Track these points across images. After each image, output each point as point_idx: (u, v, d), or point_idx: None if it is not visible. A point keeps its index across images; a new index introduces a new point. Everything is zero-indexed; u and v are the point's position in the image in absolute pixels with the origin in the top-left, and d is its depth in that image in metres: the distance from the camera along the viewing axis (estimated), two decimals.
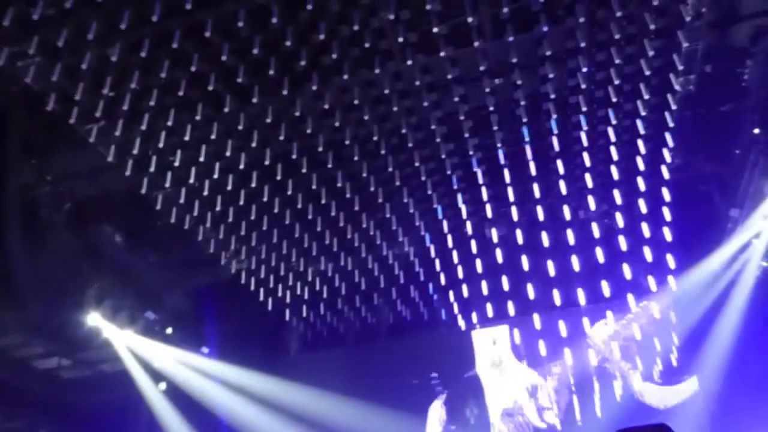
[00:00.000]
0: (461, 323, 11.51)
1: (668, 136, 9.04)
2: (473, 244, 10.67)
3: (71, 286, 9.53)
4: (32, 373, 10.69)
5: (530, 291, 10.56)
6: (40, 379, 10.73)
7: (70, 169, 8.73)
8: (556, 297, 10.47)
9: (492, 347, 11.58)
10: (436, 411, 11.20)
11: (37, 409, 10.62)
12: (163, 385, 11.29)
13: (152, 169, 8.63)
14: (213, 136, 8.46)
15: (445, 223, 10.34)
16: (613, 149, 9.13)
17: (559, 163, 9.37)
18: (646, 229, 10.00)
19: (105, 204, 9.28)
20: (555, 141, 8.98)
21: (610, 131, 8.91)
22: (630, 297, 10.48)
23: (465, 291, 11.05)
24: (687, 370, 10.42)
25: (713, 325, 10.12)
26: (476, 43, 7.46)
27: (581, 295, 10.55)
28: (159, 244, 10.08)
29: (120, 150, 8.36)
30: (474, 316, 11.35)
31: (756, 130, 8.97)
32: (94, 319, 10.16)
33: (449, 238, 10.54)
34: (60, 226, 8.87)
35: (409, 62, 7.75)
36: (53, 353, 10.76)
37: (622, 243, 10.19)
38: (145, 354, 11.06)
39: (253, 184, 9.16)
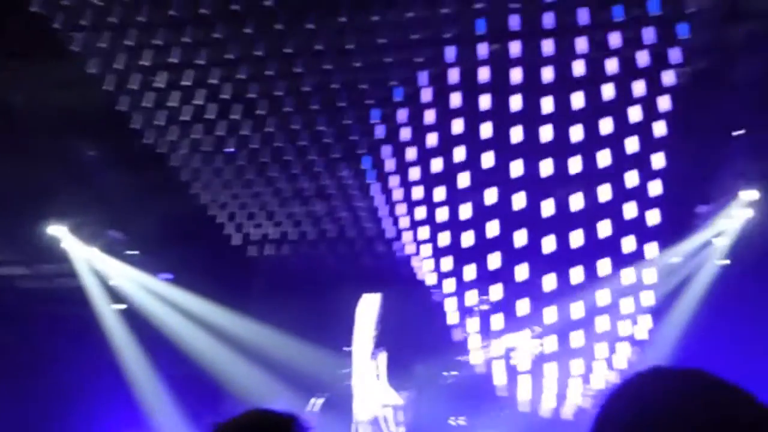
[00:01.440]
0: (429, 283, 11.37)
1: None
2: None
3: (38, 195, 9.39)
4: None
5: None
6: None
7: (49, 76, 8.46)
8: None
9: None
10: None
11: None
12: (120, 306, 11.29)
13: (134, 86, 8.45)
14: (200, 62, 8.30)
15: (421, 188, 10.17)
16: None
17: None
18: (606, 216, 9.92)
19: (81, 116, 9.06)
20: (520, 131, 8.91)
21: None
22: None
23: (429, 250, 10.85)
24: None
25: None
26: None
27: None
28: (132, 164, 9.92)
29: (102, 62, 8.16)
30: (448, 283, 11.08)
31: (736, 132, 9.08)
32: (57, 231, 10.08)
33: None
34: (33, 133, 8.67)
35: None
36: (13, 261, 10.66)
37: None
38: (105, 272, 11.03)
39: (235, 117, 9.04)
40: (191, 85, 8.53)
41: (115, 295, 11.22)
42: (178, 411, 10.90)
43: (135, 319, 11.25)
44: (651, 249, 9.49)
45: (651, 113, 8.76)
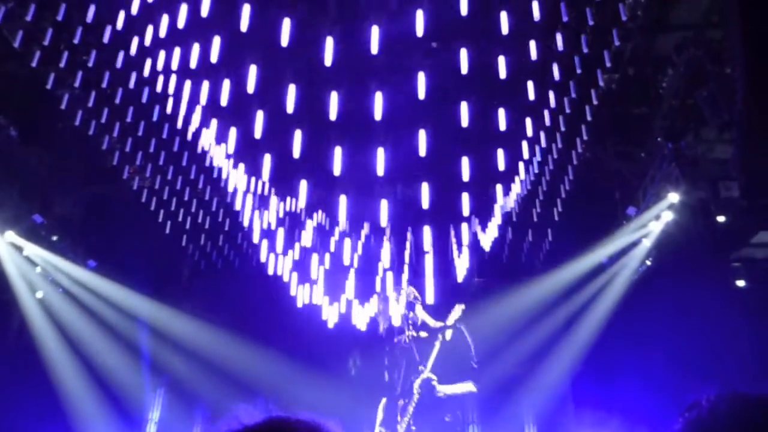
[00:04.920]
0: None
1: (583, 129, 9.40)
2: None
3: None
4: None
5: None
6: None
7: None
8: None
9: None
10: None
11: None
12: (40, 293, 10.79)
13: (62, 65, 8.07)
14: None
15: None
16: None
17: None
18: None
19: (3, 93, 8.59)
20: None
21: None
22: None
23: None
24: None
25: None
26: None
27: None
28: (58, 146, 9.49)
29: (29, 38, 7.74)
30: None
31: (660, 138, 9.48)
32: None
33: None
34: None
35: None
36: None
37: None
38: (26, 258, 10.48)
39: None
40: (125, 68, 8.23)
41: (36, 281, 10.69)
42: (99, 403, 10.54)
43: (55, 307, 10.78)
44: None
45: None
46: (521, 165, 9.93)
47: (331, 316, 11.46)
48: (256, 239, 11.03)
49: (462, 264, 11.18)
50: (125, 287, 11.15)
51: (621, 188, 10.25)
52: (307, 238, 11.08)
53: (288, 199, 10.54)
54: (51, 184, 10.30)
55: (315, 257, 11.31)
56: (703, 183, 8.82)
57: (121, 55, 8.18)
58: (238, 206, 10.50)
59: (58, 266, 10.86)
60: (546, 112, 9.06)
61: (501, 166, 9.61)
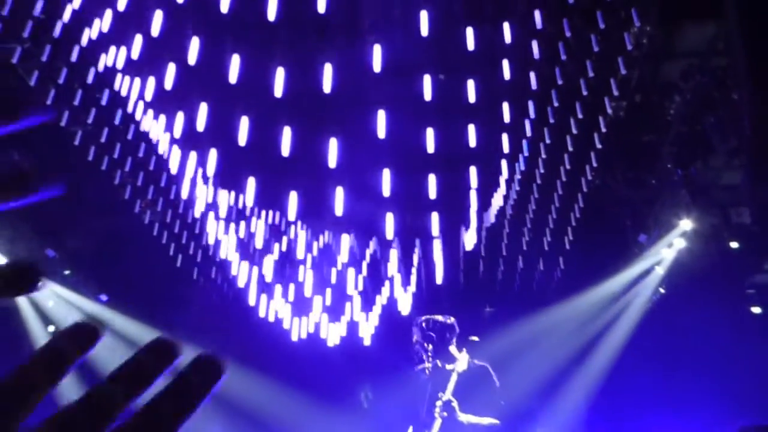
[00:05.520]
0: None
1: (592, 155, 9.44)
2: None
3: None
4: None
5: None
6: None
7: None
8: None
9: None
10: None
11: None
12: (52, 328, 10.83)
13: (76, 102, 8.21)
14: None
15: None
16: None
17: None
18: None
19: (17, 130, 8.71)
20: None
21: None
22: None
23: None
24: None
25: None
26: None
27: None
28: (71, 181, 9.58)
29: (44, 77, 7.89)
30: None
31: (669, 165, 9.48)
32: None
33: None
34: None
35: None
36: None
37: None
38: (39, 293, 10.55)
39: None
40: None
41: (48, 316, 10.75)
42: None
43: None
44: None
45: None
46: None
47: (333, 337, 11.47)
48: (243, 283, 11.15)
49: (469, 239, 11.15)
50: (136, 320, 11.16)
51: (632, 215, 10.22)
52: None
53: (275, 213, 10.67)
54: (63, 219, 10.37)
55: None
56: (714, 210, 8.79)
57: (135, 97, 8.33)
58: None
59: (70, 300, 10.92)
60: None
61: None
